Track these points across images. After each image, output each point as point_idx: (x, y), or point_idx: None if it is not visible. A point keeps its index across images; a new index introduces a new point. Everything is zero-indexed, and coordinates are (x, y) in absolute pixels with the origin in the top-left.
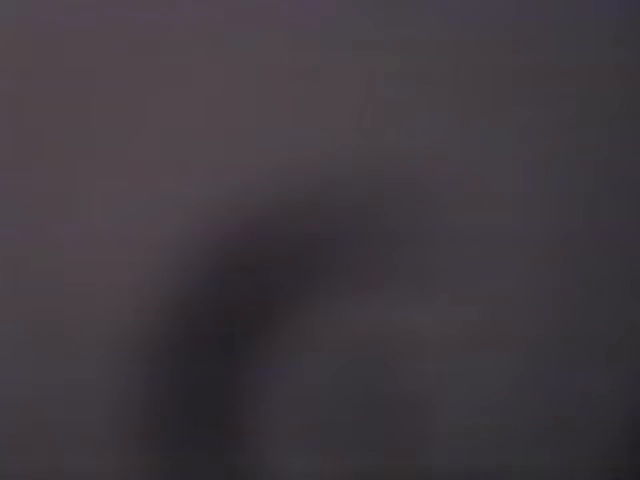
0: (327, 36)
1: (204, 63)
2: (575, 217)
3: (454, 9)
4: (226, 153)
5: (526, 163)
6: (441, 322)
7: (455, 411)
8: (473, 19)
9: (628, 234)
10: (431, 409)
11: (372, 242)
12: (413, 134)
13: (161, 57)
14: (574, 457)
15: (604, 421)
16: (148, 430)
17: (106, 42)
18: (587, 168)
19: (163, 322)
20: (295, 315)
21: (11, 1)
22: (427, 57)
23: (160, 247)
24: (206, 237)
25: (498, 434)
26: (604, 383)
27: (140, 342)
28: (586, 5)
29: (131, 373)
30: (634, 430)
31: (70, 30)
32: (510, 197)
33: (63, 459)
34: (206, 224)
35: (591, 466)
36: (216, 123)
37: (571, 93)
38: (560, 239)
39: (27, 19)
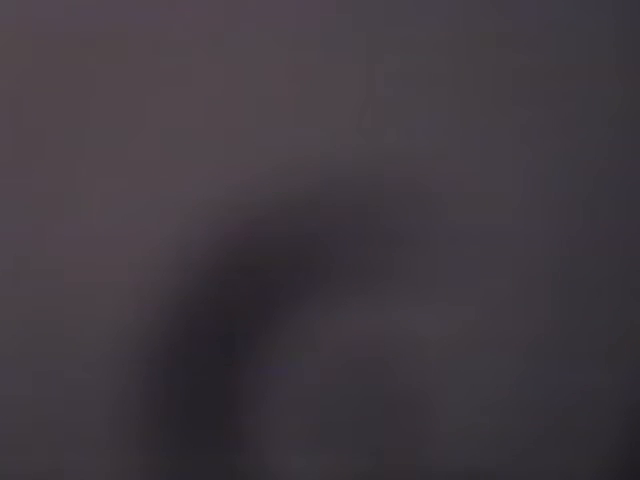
0: (327, 36)
1: (204, 63)
2: (575, 217)
3: (454, 9)
4: (226, 153)
5: (526, 163)
6: (441, 322)
7: (455, 411)
8: (473, 19)
9: (628, 234)
10: (431, 409)
11: (372, 242)
12: (413, 134)
13: (161, 57)
14: (574, 457)
15: (604, 421)
16: (148, 430)
17: (106, 42)
18: (587, 168)
19: (163, 322)
20: (295, 315)
21: (11, 1)
22: (427, 57)
23: (160, 247)
24: (206, 237)
25: (498, 434)
26: (604, 383)
27: (140, 342)
28: (586, 5)
29: (131, 373)
30: (634, 430)
31: (70, 30)
32: (510, 197)
33: (63, 459)
34: (206, 224)
35: (591, 466)
36: (216, 123)
37: (571, 93)
38: (560, 239)
39: (27, 19)
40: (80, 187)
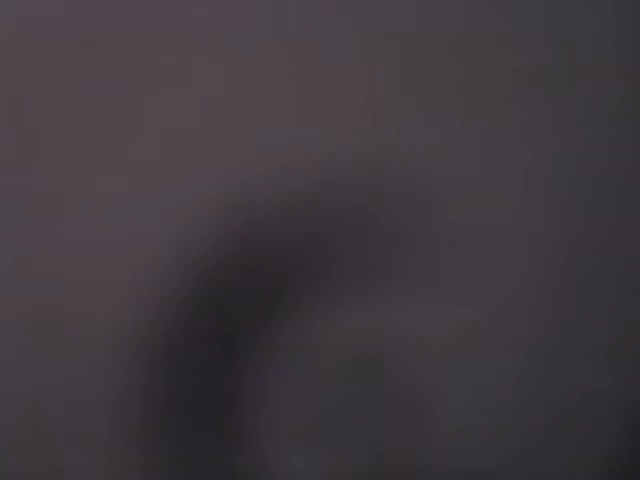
0: (327, 36)
1: (204, 63)
2: (575, 217)
3: (454, 9)
4: (226, 153)
5: (526, 163)
6: (441, 322)
7: (455, 411)
8: (473, 19)
9: (628, 234)
10: (431, 409)
11: (372, 242)
12: (413, 134)
13: (161, 57)
14: (574, 457)
15: (604, 421)
16: (148, 430)
17: (106, 42)
18: (587, 168)
19: (163, 322)
20: (295, 315)
21: (11, 1)
22: (427, 57)
23: (160, 247)
24: (206, 237)
25: (498, 434)
26: (604, 383)
27: (140, 342)
28: (586, 5)
29: (131, 373)
30: (634, 430)
31: (70, 30)
32: (510, 197)
33: (63, 459)
34: (206, 224)
35: (591, 466)
36: (216, 123)
37: (571, 93)
38: (560, 239)
39: (27, 19)
40: (80, 187)
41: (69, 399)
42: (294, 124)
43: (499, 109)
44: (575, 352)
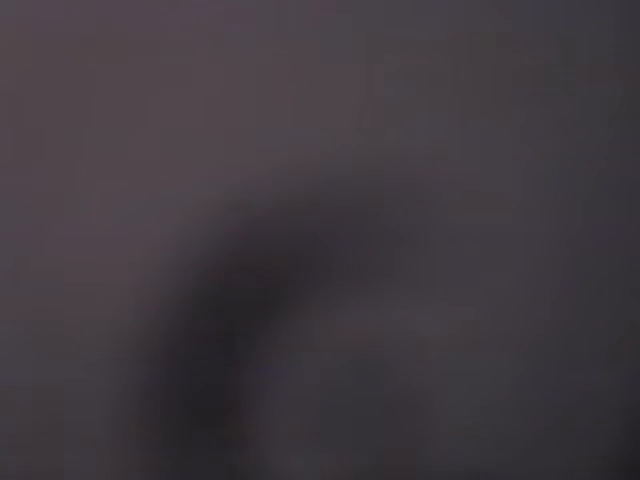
0: (327, 36)
1: (204, 63)
2: (575, 217)
3: (454, 9)
4: (226, 153)
5: (526, 163)
6: (441, 322)
7: (455, 411)
8: (473, 19)
9: (628, 234)
10: (431, 409)
11: (372, 242)
12: (413, 134)
13: (161, 57)
14: (574, 457)
15: (604, 421)
16: (148, 430)
17: (106, 42)
18: (587, 168)
19: (163, 322)
20: (295, 315)
21: (11, 1)
22: (427, 57)
23: (160, 247)
24: (206, 237)
25: (498, 434)
26: (604, 383)
27: (140, 342)
28: (586, 5)
29: (131, 373)
30: (634, 430)
31: (70, 30)
32: (510, 197)
33: (63, 459)
34: (206, 224)
35: (591, 466)
36: (216, 123)
37: (571, 93)
38: (560, 239)
39: (27, 19)
40: (80, 187)
41: (69, 399)
42: (294, 124)
43: (499, 109)
44: (575, 352)
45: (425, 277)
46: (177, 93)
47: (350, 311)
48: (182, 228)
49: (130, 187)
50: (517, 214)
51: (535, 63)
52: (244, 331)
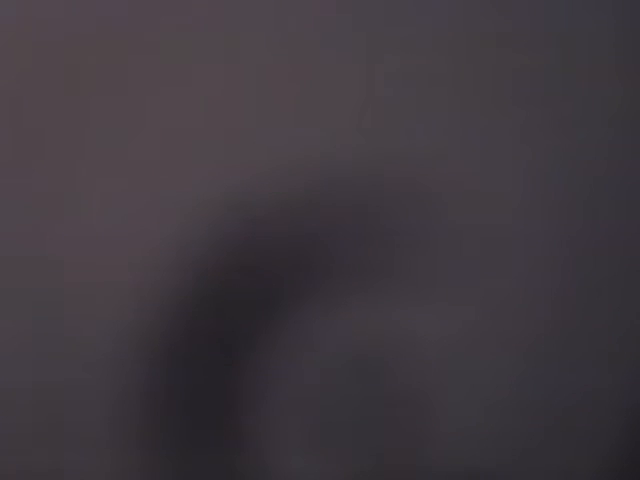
0: (327, 36)
1: (204, 63)
2: (575, 217)
3: (454, 9)
4: (226, 153)
5: (526, 163)
6: (441, 322)
7: (455, 411)
8: (473, 19)
9: (628, 234)
10: (431, 409)
11: (372, 242)
12: (413, 134)
13: (161, 57)
14: (574, 457)
15: (604, 421)
16: (148, 430)
17: (106, 42)
18: (587, 168)
19: (163, 322)
20: (295, 315)
21: (11, 1)
22: (427, 57)
23: (160, 247)
24: (206, 237)
25: (498, 434)
26: (604, 383)
27: (140, 342)
28: (586, 5)
29: (131, 373)
30: (634, 430)
31: (70, 30)
32: (510, 197)
33: (63, 459)
34: (206, 224)
35: (591, 466)
36: (216, 123)
37: (571, 93)
38: (560, 239)
39: (27, 19)
40: (80, 187)
41: (69, 399)
42: (294, 124)
43: (499, 109)
44: (575, 352)
45: (425, 277)
46: (177, 93)
47: (350, 311)
48: (182, 228)
49: (130, 187)
50: (517, 214)
51: (535, 63)
52: (244, 331)
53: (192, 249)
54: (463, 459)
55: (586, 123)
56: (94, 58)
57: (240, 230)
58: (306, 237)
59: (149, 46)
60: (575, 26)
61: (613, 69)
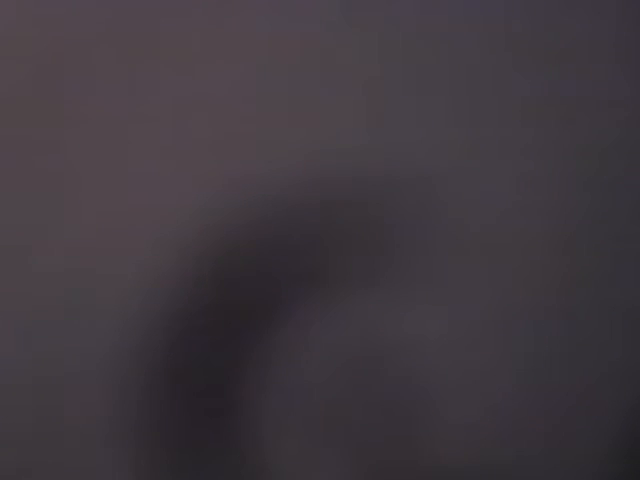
0: (327, 36)
1: (204, 63)
2: (576, 217)
3: (454, 9)
4: (226, 153)
5: (527, 163)
6: (441, 322)
7: (455, 411)
8: (473, 19)
9: (629, 234)
10: (431, 409)
11: (372, 242)
12: (413, 134)
13: (161, 57)
14: (574, 457)
15: (604, 421)
16: (148, 430)
17: (106, 42)
18: (587, 168)
19: (163, 323)
20: (295, 315)
21: (11, 1)
22: (427, 57)
23: (160, 247)
24: (206, 237)
25: (498, 434)
26: (604, 383)
27: (140, 342)
28: (586, 5)
29: (131, 373)
30: (634, 430)
31: (70, 30)
32: (510, 197)
33: (63, 458)
34: (206, 224)
35: (591, 466)
36: (216, 123)
37: (571, 93)
38: (560, 239)
39: (27, 19)
40: (80, 187)
41: (69, 399)
42: (294, 124)
43: (499, 109)
44: (575, 352)
45: (425, 277)
46: (177, 93)
47: (350, 311)
48: (182, 228)
49: (130, 187)
50: (517, 214)
51: (535, 63)
52: (244, 332)
53: (192, 249)
54: (463, 459)
55: (586, 123)
56: (94, 58)
57: (240, 231)
58: (306, 237)
59: (149, 46)
60: (575, 26)
61: (613, 69)
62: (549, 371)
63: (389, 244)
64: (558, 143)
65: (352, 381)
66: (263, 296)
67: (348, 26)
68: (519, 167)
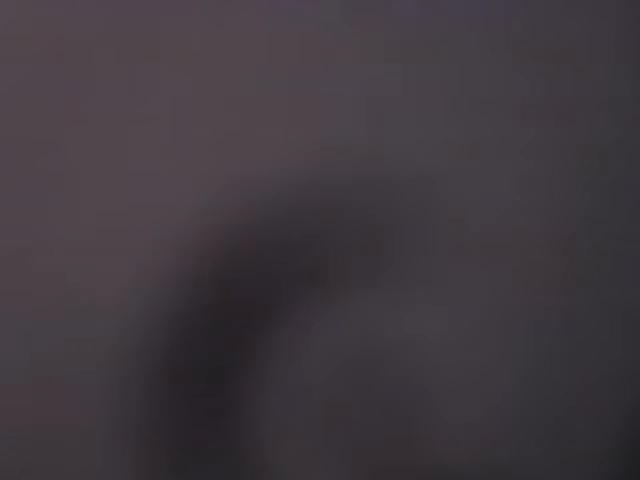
0: (327, 36)
1: (204, 63)
2: (576, 217)
3: (454, 9)
4: (226, 153)
5: (527, 163)
6: (441, 322)
7: (455, 411)
8: (474, 19)
9: (629, 234)
10: (431, 409)
11: (372, 242)
12: (413, 134)
13: (161, 57)
14: (574, 457)
15: (604, 421)
16: (148, 430)
17: (106, 42)
18: (588, 168)
19: (163, 323)
20: (295, 315)
21: (11, 1)
22: (427, 57)
23: (160, 248)
24: (206, 237)
25: (498, 434)
26: (604, 383)
27: (140, 342)
28: (586, 5)
29: (131, 373)
30: (634, 430)
31: (70, 30)
32: (510, 197)
33: (63, 459)
34: (205, 224)
35: (591, 466)
36: (216, 123)
37: (571, 93)
38: (560, 239)
39: (27, 19)
40: (80, 187)
41: (69, 399)
42: (294, 124)
43: (500, 109)
44: (575, 352)
45: (425, 277)
46: (177, 93)
47: (350, 311)
48: (182, 228)
49: (130, 187)
50: (517, 214)
51: (535, 63)
52: (244, 332)
53: (192, 250)
54: (463, 459)
55: (586, 123)
56: (94, 58)
57: (239, 231)
58: (306, 237)
59: (149, 46)
60: (575, 26)
61: (613, 69)
62: (549, 371)
63: (389, 244)
64: (558, 143)
65: (352, 381)
66: (263, 296)
67: (348, 26)
68: (519, 167)
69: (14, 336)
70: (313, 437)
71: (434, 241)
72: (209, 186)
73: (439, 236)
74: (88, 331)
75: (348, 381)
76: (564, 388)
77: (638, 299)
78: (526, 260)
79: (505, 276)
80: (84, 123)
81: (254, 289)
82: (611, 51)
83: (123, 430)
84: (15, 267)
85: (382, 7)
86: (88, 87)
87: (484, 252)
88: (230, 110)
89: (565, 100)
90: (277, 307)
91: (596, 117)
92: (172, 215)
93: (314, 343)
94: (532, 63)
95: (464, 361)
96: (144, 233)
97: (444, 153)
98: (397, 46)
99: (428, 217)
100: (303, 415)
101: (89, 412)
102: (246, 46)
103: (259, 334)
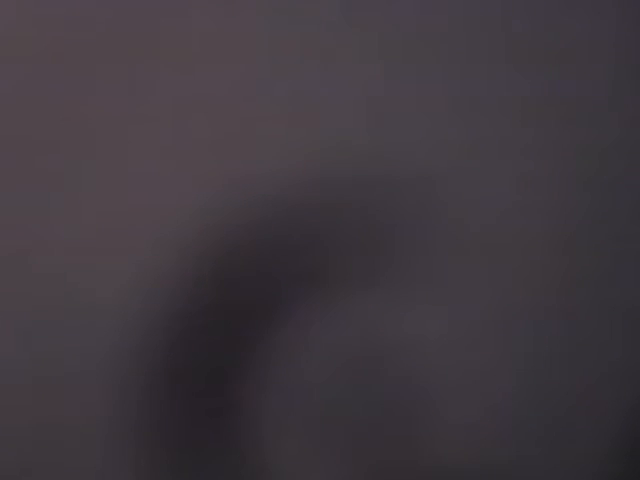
0: (327, 36)
1: (204, 63)
2: (576, 217)
3: (454, 9)
4: (226, 153)
5: (527, 163)
6: (441, 322)
7: (455, 411)
8: (474, 19)
9: (629, 234)
10: (431, 409)
11: (372, 242)
12: (413, 134)
13: (161, 57)
14: (574, 457)
15: (604, 421)
16: (148, 430)
17: (106, 42)
18: (587, 168)
19: (163, 323)
20: (295, 315)
21: (11, 1)
22: (428, 56)
23: (160, 248)
24: (206, 238)
25: (498, 434)
26: (604, 383)
27: (140, 342)
28: (586, 5)
29: (131, 373)
30: (634, 430)
31: (70, 30)
32: (510, 197)
33: (63, 459)
34: (205, 225)
35: (591, 466)
36: (216, 123)
37: (571, 93)
38: (560, 239)
39: (27, 19)
40: (80, 187)
41: (69, 399)
42: (294, 124)
43: (500, 109)
44: (575, 352)
45: (425, 277)
46: (177, 93)
47: (350, 311)
48: (182, 229)
49: (130, 187)
50: (517, 214)
51: (535, 63)
52: (244, 332)
53: (192, 250)
54: (463, 459)
55: (586, 123)
56: (94, 58)
57: (239, 231)
58: (306, 237)
59: (149, 46)
60: (575, 26)
61: (613, 68)
62: (549, 371)
63: (389, 244)
64: (558, 143)
65: (352, 381)
66: (263, 296)
67: (348, 26)
68: (519, 167)
69: (14, 336)
70: (313, 437)
71: (434, 241)
72: (209, 186)
73: (439, 236)
74: (88, 331)
75: (348, 381)
76: (564, 388)
77: (638, 299)
78: (526, 260)
79: (505, 276)
80: (84, 123)
81: (254, 289)
82: (611, 51)
83: (123, 430)
84: (15, 267)
85: (382, 7)
86: (88, 87)
87: (484, 252)
88: (230, 110)
89: (565, 100)
90: (277, 307)
91: (596, 117)
92: (172, 215)
93: (314, 343)
94: (532, 63)
95: (464, 361)
96: (144, 233)
97: (444, 153)
98: (397, 46)
99: (428, 217)
100: (303, 415)
101: (89, 412)
102: (246, 46)
103: (259, 334)
